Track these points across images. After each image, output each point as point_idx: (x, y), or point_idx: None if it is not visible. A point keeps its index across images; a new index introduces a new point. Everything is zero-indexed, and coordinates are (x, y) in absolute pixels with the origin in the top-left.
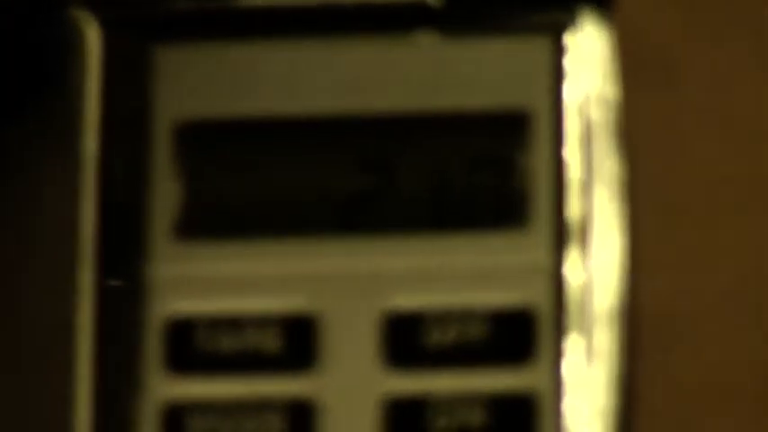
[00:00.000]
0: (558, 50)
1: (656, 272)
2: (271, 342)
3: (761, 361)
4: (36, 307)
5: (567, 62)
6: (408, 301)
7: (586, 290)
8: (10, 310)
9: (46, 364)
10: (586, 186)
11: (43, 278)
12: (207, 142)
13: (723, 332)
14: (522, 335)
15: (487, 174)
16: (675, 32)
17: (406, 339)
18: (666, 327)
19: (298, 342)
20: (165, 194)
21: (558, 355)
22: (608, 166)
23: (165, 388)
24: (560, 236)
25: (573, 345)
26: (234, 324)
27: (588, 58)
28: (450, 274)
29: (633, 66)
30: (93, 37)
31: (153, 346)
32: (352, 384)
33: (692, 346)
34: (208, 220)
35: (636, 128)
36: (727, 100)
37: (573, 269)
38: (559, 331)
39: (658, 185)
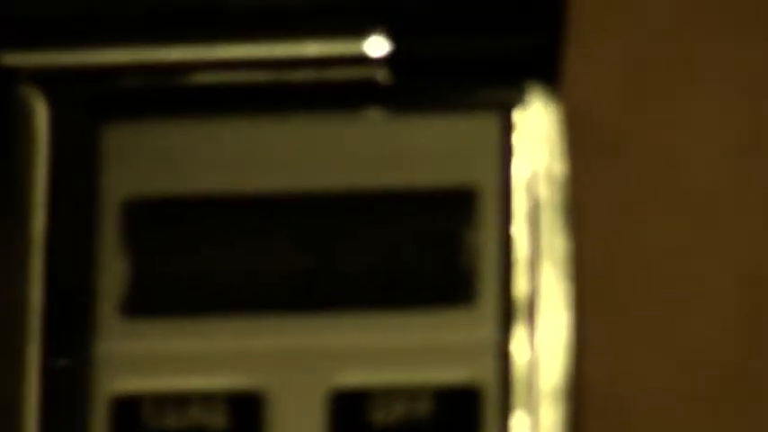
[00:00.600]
0: (506, 127)
1: (603, 350)
2: (217, 419)
3: None
4: None
5: (515, 139)
6: (354, 378)
7: (532, 367)
8: None
9: None
10: (533, 263)
11: None
12: (153, 220)
13: (671, 411)
14: (468, 412)
15: (434, 250)
16: (618, 108)
17: (352, 416)
18: (613, 405)
19: (243, 419)
20: (112, 272)
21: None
22: (555, 243)
23: None
24: (507, 313)
25: (518, 422)
26: (180, 401)
27: (535, 135)
28: (396, 350)
29: (578, 142)
30: (41, 114)
31: (100, 424)
32: None
33: (639, 426)
34: (154, 298)
35: (582, 203)
36: (671, 173)
37: (519, 346)
38: (505, 408)
39: (604, 261)
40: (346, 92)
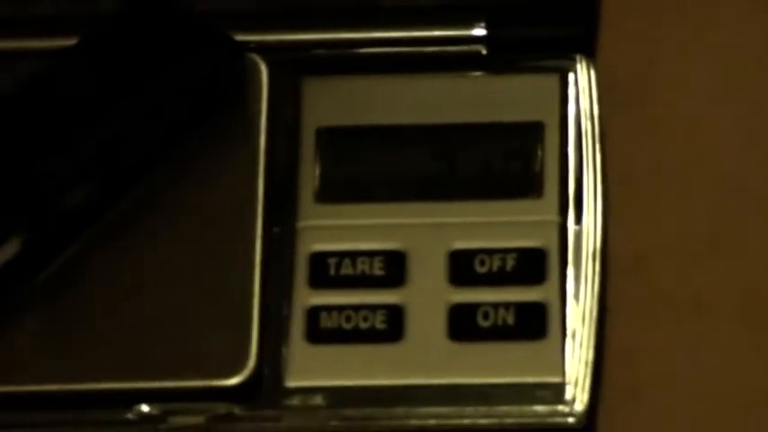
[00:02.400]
0: (563, 83)
1: (624, 224)
2: (377, 269)
3: None
4: (225, 243)
5: (569, 91)
6: (466, 244)
7: (579, 237)
8: (205, 246)
9: (232, 280)
10: (580, 171)
11: (230, 224)
12: (337, 141)
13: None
14: (540, 266)
15: (517, 161)
16: (635, 72)
17: (464, 267)
18: (632, 260)
19: (394, 268)
20: (310, 174)
21: (562, 278)
22: (594, 159)
23: (308, 298)
24: (564, 202)
25: (571, 272)
26: (352, 257)
27: (582, 89)
28: (493, 225)
29: (607, 94)
30: (263, 72)
31: (300, 271)
32: (429, 296)
33: (651, 275)
34: (337, 191)
35: (610, 133)
36: (676, 111)
37: (571, 223)
38: (563, 263)
39: (626, 170)
40: (461, 60)
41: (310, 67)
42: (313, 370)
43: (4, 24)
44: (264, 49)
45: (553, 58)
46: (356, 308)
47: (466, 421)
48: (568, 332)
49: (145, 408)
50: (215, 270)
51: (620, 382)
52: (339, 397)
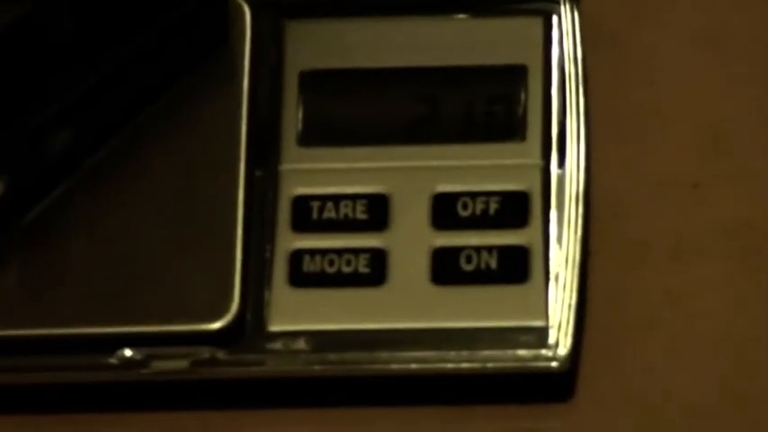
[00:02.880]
0: (547, 26)
1: (606, 168)
2: (360, 213)
3: None
4: (208, 187)
5: (553, 34)
6: (449, 187)
7: (562, 181)
8: (187, 190)
9: (214, 224)
10: (563, 114)
11: (212, 168)
12: (320, 84)
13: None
14: (523, 209)
15: (500, 105)
16: (619, 15)
17: (447, 211)
18: (610, 199)
19: (377, 212)
20: (293, 117)
21: (545, 222)
22: (577, 101)
23: (291, 242)
24: (547, 145)
25: (554, 216)
26: (335, 200)
27: (565, 32)
28: (476, 167)
29: (590, 36)
30: (246, 14)
31: (283, 215)
32: (412, 240)
33: (628, 214)
34: (320, 134)
35: (593, 75)
36: (651, 58)
37: (554, 167)
38: (546, 208)
39: (607, 109)
40: (445, 2)
41: (294, 9)
42: (296, 314)
43: None
44: None
45: (537, 1)
46: (339, 252)
47: (448, 365)
48: (551, 276)
49: (128, 352)
50: (198, 214)
51: (603, 326)
52: (322, 341)
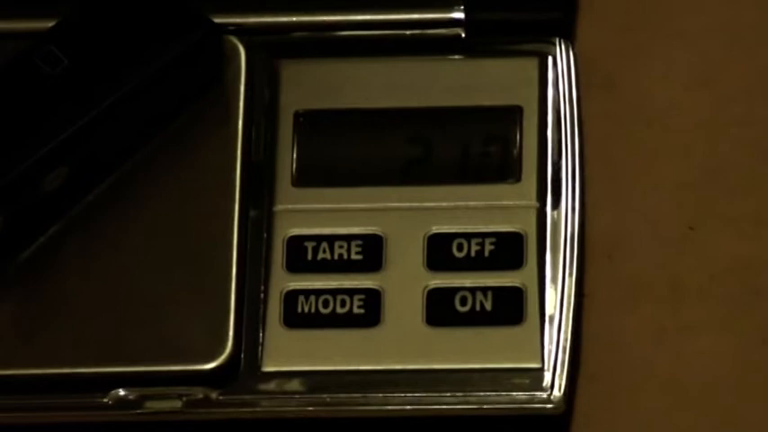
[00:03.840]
0: (543, 67)
1: (601, 209)
2: (354, 253)
3: None
4: (202, 227)
5: (548, 75)
6: (444, 228)
7: (557, 222)
8: (182, 230)
9: (209, 264)
10: (558, 155)
11: (206, 208)
12: (315, 124)
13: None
14: (518, 251)
15: (496, 146)
16: (614, 56)
17: (442, 252)
18: (607, 243)
19: (372, 253)
20: (287, 158)
21: (541, 263)
22: (572, 142)
23: (285, 282)
24: (542, 186)
25: (549, 257)
26: (330, 241)
27: (561, 73)
28: (471, 210)
29: (586, 77)
30: (240, 54)
31: (277, 256)
32: (407, 281)
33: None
34: (315, 174)
35: (588, 118)
36: (650, 99)
37: (549, 208)
38: (541, 248)
39: (604, 155)
40: (439, 43)
41: (289, 49)
42: (290, 355)
43: None
44: (243, 32)
45: (532, 42)
46: (333, 292)
47: (443, 407)
48: (546, 317)
49: (122, 392)
50: (192, 254)
51: (598, 369)
52: (316, 382)
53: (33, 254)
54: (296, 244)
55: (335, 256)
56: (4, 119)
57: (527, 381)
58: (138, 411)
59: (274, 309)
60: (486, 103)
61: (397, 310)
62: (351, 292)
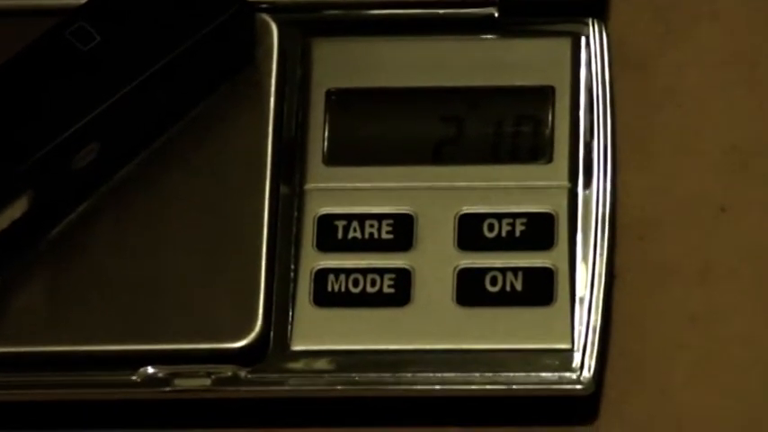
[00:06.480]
0: (575, 47)
1: (633, 190)
2: (385, 233)
3: None
4: (233, 205)
5: (581, 55)
6: (475, 208)
7: (588, 203)
8: (212, 208)
9: (239, 243)
10: (590, 136)
11: (238, 186)
12: (347, 103)
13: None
14: (548, 231)
15: (527, 126)
16: (647, 37)
17: (473, 232)
18: (638, 222)
19: (402, 232)
20: (318, 136)
21: (571, 244)
22: (603, 123)
23: (315, 261)
24: (574, 167)
25: (579, 238)
26: (360, 219)
27: (593, 53)
28: (502, 190)
29: (618, 58)
30: (273, 32)
31: (307, 234)
32: (437, 261)
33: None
34: (346, 153)
35: (620, 98)
36: (680, 80)
37: (581, 189)
38: (572, 228)
39: (634, 133)
40: (473, 22)
41: (321, 27)
42: (319, 333)
43: None
44: (275, 9)
45: (565, 22)
46: (364, 271)
47: (472, 387)
48: (576, 298)
49: (151, 370)
50: (222, 232)
51: (628, 349)
52: (345, 361)
53: (63, 231)
54: (326, 222)
55: (366, 235)
56: (36, 95)
57: (557, 361)
58: (167, 389)
59: (304, 287)
60: (519, 83)
61: (427, 289)
62: (381, 271)
